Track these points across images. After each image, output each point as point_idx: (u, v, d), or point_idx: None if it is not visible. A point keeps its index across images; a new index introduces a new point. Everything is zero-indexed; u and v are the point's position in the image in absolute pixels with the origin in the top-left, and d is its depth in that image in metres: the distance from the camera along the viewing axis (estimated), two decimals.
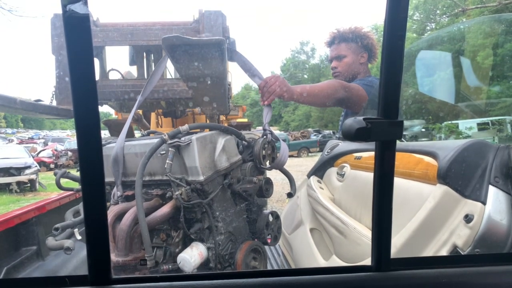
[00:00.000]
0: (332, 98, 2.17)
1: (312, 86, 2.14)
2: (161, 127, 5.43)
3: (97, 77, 3.25)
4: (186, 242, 1.83)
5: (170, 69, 4.27)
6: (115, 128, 3.56)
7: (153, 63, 3.80)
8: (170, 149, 1.71)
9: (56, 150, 20.76)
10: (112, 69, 3.50)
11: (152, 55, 3.75)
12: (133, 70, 4.46)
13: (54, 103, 2.87)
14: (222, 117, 5.93)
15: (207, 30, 3.01)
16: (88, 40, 0.78)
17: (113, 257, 1.69)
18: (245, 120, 7.86)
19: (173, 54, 1.90)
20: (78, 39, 0.78)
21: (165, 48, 1.91)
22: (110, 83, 3.28)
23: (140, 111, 5.04)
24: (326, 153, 2.86)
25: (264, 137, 2.06)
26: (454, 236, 1.33)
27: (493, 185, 1.33)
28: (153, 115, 5.49)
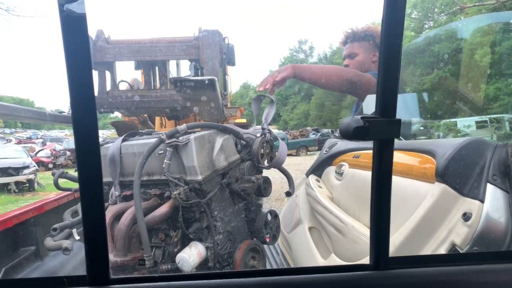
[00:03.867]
0: (344, 80, 2.18)
1: (325, 66, 2.18)
2: (165, 128, 5.68)
3: (109, 88, 3.63)
4: (184, 242, 1.82)
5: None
6: (122, 129, 3.75)
7: (157, 74, 4.17)
8: (168, 148, 1.71)
9: (54, 150, 20.69)
10: (122, 81, 3.87)
11: (157, 67, 4.11)
12: (138, 75, 4.92)
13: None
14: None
15: (205, 47, 3.50)
16: (85, 40, 0.78)
17: (112, 257, 1.68)
18: (244, 120, 7.94)
19: (178, 88, 2.33)
20: (75, 38, 0.78)
21: (172, 83, 2.37)
22: (120, 94, 3.66)
23: (145, 114, 5.32)
24: (324, 152, 2.86)
25: (263, 136, 2.06)
26: (452, 234, 1.33)
27: (491, 183, 1.34)
28: (157, 118, 5.73)
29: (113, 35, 3.69)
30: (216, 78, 2.41)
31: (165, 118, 5.50)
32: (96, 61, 3.60)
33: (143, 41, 3.66)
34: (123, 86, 4.01)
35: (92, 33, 3.57)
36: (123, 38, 3.69)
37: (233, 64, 5.05)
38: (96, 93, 3.63)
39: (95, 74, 3.69)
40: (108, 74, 3.71)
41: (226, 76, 6.84)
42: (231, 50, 4.68)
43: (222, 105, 3.06)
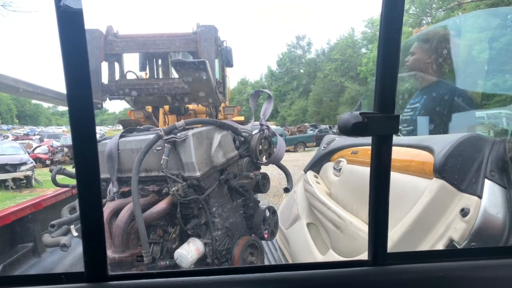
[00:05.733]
0: None
1: None
2: (168, 124, 5.94)
3: (117, 77, 4.34)
4: (183, 238, 1.83)
5: (174, 72, 5.32)
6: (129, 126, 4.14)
7: (160, 66, 5.00)
8: (166, 145, 1.70)
9: (52, 146, 20.62)
10: (129, 71, 4.51)
11: (160, 59, 4.89)
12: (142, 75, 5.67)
13: None
14: (220, 116, 6.69)
15: (203, 40, 4.14)
16: (82, 35, 0.77)
17: (110, 253, 1.68)
18: (241, 118, 8.19)
19: (177, 68, 3.04)
20: (72, 33, 0.77)
21: (172, 64, 3.24)
22: (127, 82, 4.33)
23: (150, 109, 6.18)
24: (322, 148, 2.86)
25: (261, 132, 2.05)
26: (450, 230, 1.34)
27: (489, 179, 1.34)
28: (161, 114, 6.40)
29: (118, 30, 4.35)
30: (206, 60, 3.08)
31: (168, 114, 6.15)
32: (106, 53, 4.19)
33: (148, 35, 4.29)
34: (130, 77, 4.63)
35: (102, 28, 4.22)
36: (130, 33, 4.36)
37: (231, 65, 5.70)
38: (106, 82, 4.31)
39: (105, 65, 4.35)
40: (117, 65, 4.35)
41: (226, 78, 7.54)
42: (229, 53, 5.52)
43: (216, 88, 3.89)
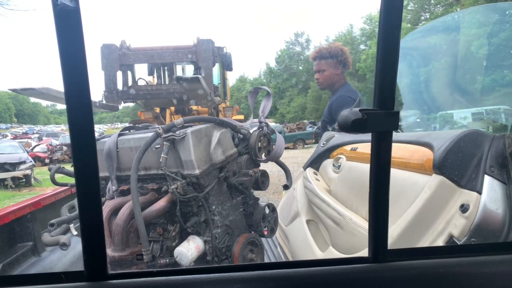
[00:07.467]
0: None
1: None
2: None
3: (130, 83, 5.21)
4: (182, 236, 1.82)
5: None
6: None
7: (166, 74, 5.80)
8: (165, 143, 1.70)
9: (50, 145, 20.62)
10: (140, 78, 5.43)
11: (166, 68, 5.71)
12: (150, 79, 6.78)
13: (103, 101, 4.88)
14: (220, 116, 7.38)
15: (202, 52, 5.10)
16: (79, 33, 0.77)
17: (110, 252, 1.68)
18: (241, 117, 8.68)
19: (178, 82, 4.10)
20: (69, 32, 0.76)
21: (176, 80, 3.96)
22: (139, 88, 5.21)
23: (157, 109, 6.97)
24: (322, 145, 2.86)
25: (260, 129, 2.05)
26: (450, 226, 1.34)
27: (488, 175, 1.34)
28: (167, 114, 7.17)
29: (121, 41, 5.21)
30: (199, 76, 3.96)
31: (174, 116, 6.89)
32: (121, 64, 5.00)
33: (156, 48, 5.15)
34: (141, 83, 5.57)
35: (117, 42, 5.05)
36: (141, 46, 5.23)
37: (230, 69, 6.46)
38: (120, 87, 5.08)
39: (119, 73, 5.16)
40: (129, 73, 5.22)
41: (226, 80, 8.25)
42: (229, 58, 6.46)
43: (211, 94, 4.82)
